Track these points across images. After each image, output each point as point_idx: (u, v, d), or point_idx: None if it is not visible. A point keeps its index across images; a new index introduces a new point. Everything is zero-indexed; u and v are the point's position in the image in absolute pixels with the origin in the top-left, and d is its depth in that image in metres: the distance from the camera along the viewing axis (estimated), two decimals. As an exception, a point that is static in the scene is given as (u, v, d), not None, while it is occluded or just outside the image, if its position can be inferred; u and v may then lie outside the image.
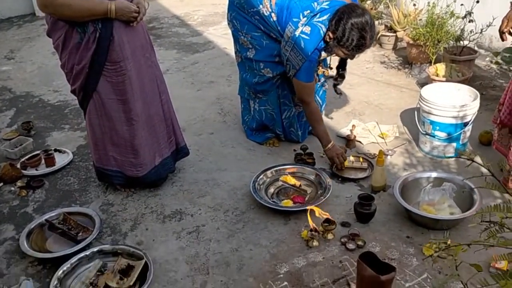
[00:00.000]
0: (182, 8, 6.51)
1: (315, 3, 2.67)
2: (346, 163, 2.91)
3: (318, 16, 2.64)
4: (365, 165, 2.94)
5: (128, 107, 2.57)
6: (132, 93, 2.55)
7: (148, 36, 2.69)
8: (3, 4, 6.24)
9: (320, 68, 3.06)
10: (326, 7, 2.64)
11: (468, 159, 1.54)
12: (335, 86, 3.14)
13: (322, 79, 3.18)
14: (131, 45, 2.51)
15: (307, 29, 2.64)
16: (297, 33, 2.66)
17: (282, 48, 2.80)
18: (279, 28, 2.82)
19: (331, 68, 3.13)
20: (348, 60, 3.02)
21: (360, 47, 2.60)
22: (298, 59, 2.72)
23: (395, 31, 4.61)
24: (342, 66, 3.04)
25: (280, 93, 3.08)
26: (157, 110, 2.74)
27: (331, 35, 2.61)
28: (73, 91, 2.62)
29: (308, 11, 2.66)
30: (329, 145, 2.90)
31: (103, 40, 2.39)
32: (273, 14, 2.81)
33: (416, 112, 3.09)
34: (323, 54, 2.84)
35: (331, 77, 3.15)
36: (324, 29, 2.63)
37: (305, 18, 2.65)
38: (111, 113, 2.58)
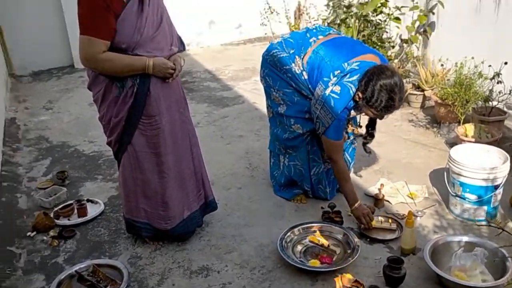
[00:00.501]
0: (214, 63, 6.73)
1: (345, 64, 2.75)
2: (374, 223, 2.89)
3: (348, 76, 2.71)
4: (394, 226, 2.91)
5: (160, 160, 2.65)
6: (165, 146, 2.63)
7: (183, 91, 2.80)
8: (44, 56, 6.56)
9: (350, 126, 3.10)
10: (356, 67, 2.71)
11: (498, 228, 1.53)
12: (364, 144, 3.17)
13: (352, 137, 3.22)
14: (167, 100, 2.61)
15: (337, 89, 2.71)
16: (327, 92, 2.73)
17: (312, 106, 2.86)
18: (309, 86, 2.90)
19: (360, 127, 3.17)
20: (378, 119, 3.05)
21: (388, 108, 2.64)
22: (327, 117, 2.77)
23: (423, 90, 4.66)
24: (371, 125, 3.08)
25: (310, 149, 3.12)
26: (188, 164, 2.81)
27: (360, 95, 2.67)
28: (109, 143, 2.72)
29: (339, 71, 2.73)
30: (356, 204, 2.90)
31: (140, 94, 2.51)
32: (304, 73, 2.89)
33: (445, 173, 3.08)
34: (353, 112, 2.89)
35: (361, 135, 3.18)
36: (354, 89, 2.69)
37: (335, 78, 2.72)
38: (144, 165, 2.66)
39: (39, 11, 6.36)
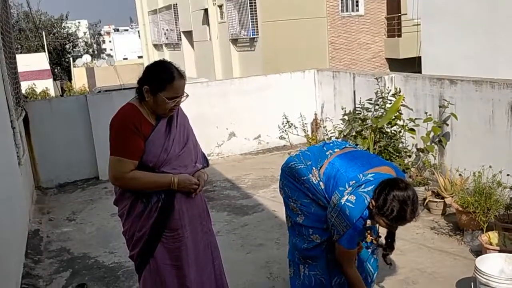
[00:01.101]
0: (234, 172, 6.89)
1: (361, 175, 2.82)
2: None
3: (363, 186, 2.77)
4: None
5: (182, 273, 2.64)
6: (187, 259, 2.64)
7: (206, 204, 2.87)
8: (72, 169, 6.81)
9: (369, 236, 3.09)
10: (371, 179, 2.78)
11: None
12: (384, 256, 3.13)
13: (371, 247, 3.18)
14: (190, 214, 2.67)
15: (352, 198, 2.75)
16: (342, 201, 2.77)
17: (328, 213, 2.89)
18: (326, 195, 2.95)
19: (380, 237, 3.15)
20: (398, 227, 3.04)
21: (399, 218, 2.64)
22: (343, 226, 2.79)
23: (442, 197, 4.66)
24: (390, 236, 3.06)
25: (330, 258, 3.09)
26: (209, 276, 2.79)
27: (374, 203, 2.70)
28: (131, 257, 2.74)
29: (354, 182, 2.80)
30: None
31: (165, 209, 2.58)
32: (321, 183, 2.96)
33: (472, 283, 2.99)
34: (368, 222, 2.90)
35: (381, 245, 3.15)
36: (369, 199, 2.73)
37: (350, 188, 2.78)
38: (165, 278, 2.65)
39: (69, 128, 6.72)
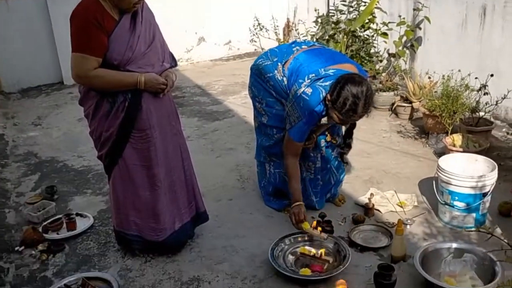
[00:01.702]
0: (204, 78, 6.76)
1: (322, 69, 2.80)
2: (306, 226, 2.83)
3: (321, 80, 2.76)
4: (328, 257, 2.74)
5: (151, 173, 2.65)
6: (156, 159, 2.64)
7: (174, 105, 2.82)
8: (34, 73, 6.54)
9: (329, 136, 3.13)
10: (331, 74, 2.76)
11: (487, 233, 1.54)
12: (341, 155, 3.19)
13: (330, 148, 3.22)
14: (158, 114, 2.62)
15: (309, 90, 2.76)
16: (299, 92, 2.78)
17: (286, 104, 2.91)
18: (288, 91, 2.94)
19: (338, 137, 3.18)
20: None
21: (351, 112, 2.64)
22: (295, 116, 2.82)
23: (410, 102, 4.71)
24: (348, 135, 3.11)
25: None
26: (179, 176, 2.81)
27: (328, 97, 2.70)
28: (99, 157, 2.71)
29: (313, 75, 2.79)
30: (294, 204, 2.93)
31: (132, 109, 2.51)
32: (284, 79, 2.95)
33: (434, 182, 3.11)
34: (324, 119, 2.93)
35: (339, 145, 3.20)
36: (324, 93, 2.73)
37: (309, 80, 2.78)
38: (135, 178, 2.65)
39: (28, 29, 6.36)
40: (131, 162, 2.62)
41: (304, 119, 2.78)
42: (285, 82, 2.94)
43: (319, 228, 2.84)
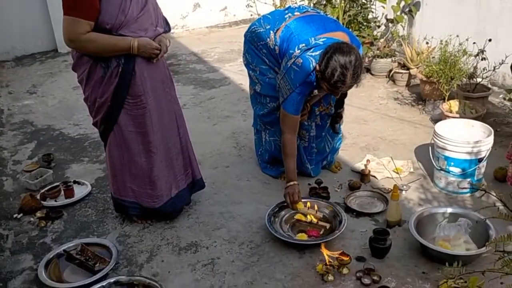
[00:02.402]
0: (200, 45, 6.69)
1: (312, 38, 2.76)
2: (301, 206, 2.81)
3: (311, 50, 2.72)
4: (324, 223, 2.76)
5: (147, 140, 2.65)
6: (151, 126, 2.63)
7: (169, 71, 2.79)
8: (27, 41, 6.46)
9: (322, 106, 3.11)
10: (321, 43, 2.72)
11: (481, 189, 1.56)
12: (332, 124, 3.18)
13: (324, 117, 3.21)
14: (152, 80, 2.60)
15: (299, 61, 2.72)
16: (289, 63, 2.75)
17: (277, 76, 2.89)
18: (280, 60, 2.91)
19: (330, 106, 3.16)
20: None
21: (339, 82, 2.60)
22: (286, 88, 2.80)
23: (408, 68, 4.68)
24: (339, 105, 3.08)
25: None
26: (175, 143, 2.81)
27: (317, 67, 2.68)
28: (94, 124, 2.70)
29: (304, 45, 2.74)
30: (289, 183, 2.87)
31: (125, 75, 2.49)
32: (276, 47, 2.91)
33: (430, 148, 3.12)
34: (316, 91, 2.91)
35: (330, 115, 3.18)
36: (315, 63, 2.70)
37: (299, 51, 2.74)
38: (131, 145, 2.65)
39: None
40: (126, 129, 2.61)
41: (296, 90, 2.75)
42: (277, 51, 2.90)
43: (316, 206, 2.85)
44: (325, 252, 2.43)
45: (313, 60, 2.69)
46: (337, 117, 3.13)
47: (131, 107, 2.57)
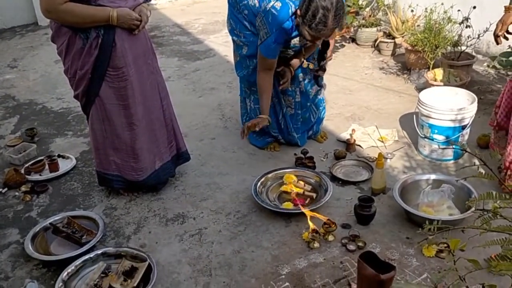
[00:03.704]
0: (183, 17, 6.58)
1: None
2: (290, 178, 2.87)
3: None
4: (312, 193, 2.81)
5: (129, 112, 2.62)
6: (133, 98, 2.60)
7: (150, 43, 2.74)
8: (6, 14, 6.31)
9: (305, 61, 3.09)
10: None
11: (462, 149, 1.56)
12: (316, 78, 3.17)
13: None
14: (133, 52, 2.55)
15: (278, 5, 2.71)
16: (268, 6, 2.73)
17: (256, 19, 2.88)
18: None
19: (313, 63, 3.14)
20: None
21: (321, 25, 2.56)
22: (264, 32, 2.79)
23: (393, 38, 4.66)
24: (322, 57, 3.08)
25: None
26: (158, 115, 2.78)
27: (298, 12, 2.65)
28: (76, 96, 2.66)
29: None
30: (262, 115, 2.96)
31: (105, 46, 2.44)
32: (256, 1, 2.87)
33: (415, 116, 3.14)
34: (296, 40, 2.90)
35: (313, 70, 3.16)
36: (294, 8, 2.68)
37: None
38: (113, 117, 2.62)
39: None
40: (108, 102, 2.58)
41: (273, 35, 2.74)
42: (257, 5, 2.86)
43: (302, 182, 2.87)
44: (309, 215, 2.45)
45: (292, 5, 2.68)
46: (321, 70, 3.13)
47: (113, 80, 2.53)
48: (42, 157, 3.25)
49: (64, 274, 2.23)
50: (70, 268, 2.27)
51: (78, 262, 2.30)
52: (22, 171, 3.12)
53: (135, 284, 2.17)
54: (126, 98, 2.58)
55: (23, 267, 2.40)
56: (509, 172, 2.64)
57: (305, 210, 2.51)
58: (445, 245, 2.27)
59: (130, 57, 2.53)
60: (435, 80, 3.74)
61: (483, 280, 1.97)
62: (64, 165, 3.20)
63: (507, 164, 2.64)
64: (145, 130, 2.71)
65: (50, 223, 2.58)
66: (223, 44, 5.38)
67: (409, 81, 4.18)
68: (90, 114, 2.65)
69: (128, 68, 2.53)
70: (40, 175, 3.13)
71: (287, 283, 2.20)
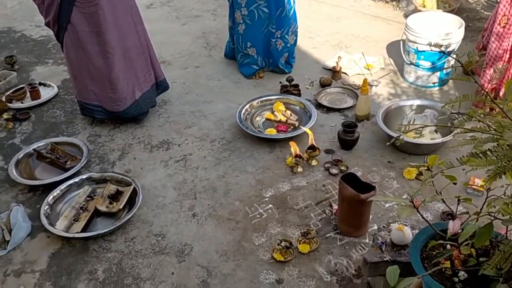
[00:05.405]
0: None
1: None
2: (279, 106, 2.85)
3: None
4: (295, 122, 2.80)
5: (102, 39, 2.54)
6: (106, 24, 2.51)
7: None
8: None
9: None
10: None
11: (441, 52, 1.53)
12: None
13: None
14: None
15: None
16: None
17: None
18: None
19: None
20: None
21: None
22: None
23: (384, -37, 4.51)
24: None
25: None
26: (134, 43, 2.70)
27: None
28: (47, 24, 2.58)
29: None
30: None
31: None
32: None
33: (402, 43, 3.09)
34: None
35: None
36: None
37: None
38: (87, 45, 2.55)
39: None
40: (80, 28, 2.49)
41: None
42: None
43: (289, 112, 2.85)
44: (293, 146, 2.46)
45: None
46: None
47: (83, 5, 2.44)
48: (23, 85, 3.18)
49: (49, 198, 2.26)
50: (56, 191, 2.29)
51: (63, 186, 2.33)
52: (3, 99, 3.06)
53: (120, 207, 2.21)
54: (98, 24, 2.50)
55: (8, 192, 2.41)
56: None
57: (306, 129, 2.52)
58: (425, 167, 2.31)
59: None
60: (424, 7, 3.66)
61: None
62: (46, 93, 3.15)
63: (484, 84, 2.63)
64: (120, 59, 2.64)
65: (33, 149, 2.57)
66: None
67: (398, 8, 4.09)
68: (64, 42, 2.57)
69: None
70: (22, 102, 3.08)
71: (270, 205, 2.25)
